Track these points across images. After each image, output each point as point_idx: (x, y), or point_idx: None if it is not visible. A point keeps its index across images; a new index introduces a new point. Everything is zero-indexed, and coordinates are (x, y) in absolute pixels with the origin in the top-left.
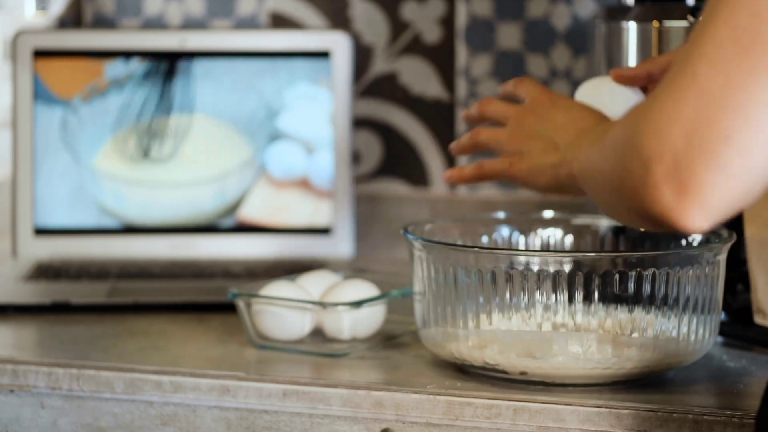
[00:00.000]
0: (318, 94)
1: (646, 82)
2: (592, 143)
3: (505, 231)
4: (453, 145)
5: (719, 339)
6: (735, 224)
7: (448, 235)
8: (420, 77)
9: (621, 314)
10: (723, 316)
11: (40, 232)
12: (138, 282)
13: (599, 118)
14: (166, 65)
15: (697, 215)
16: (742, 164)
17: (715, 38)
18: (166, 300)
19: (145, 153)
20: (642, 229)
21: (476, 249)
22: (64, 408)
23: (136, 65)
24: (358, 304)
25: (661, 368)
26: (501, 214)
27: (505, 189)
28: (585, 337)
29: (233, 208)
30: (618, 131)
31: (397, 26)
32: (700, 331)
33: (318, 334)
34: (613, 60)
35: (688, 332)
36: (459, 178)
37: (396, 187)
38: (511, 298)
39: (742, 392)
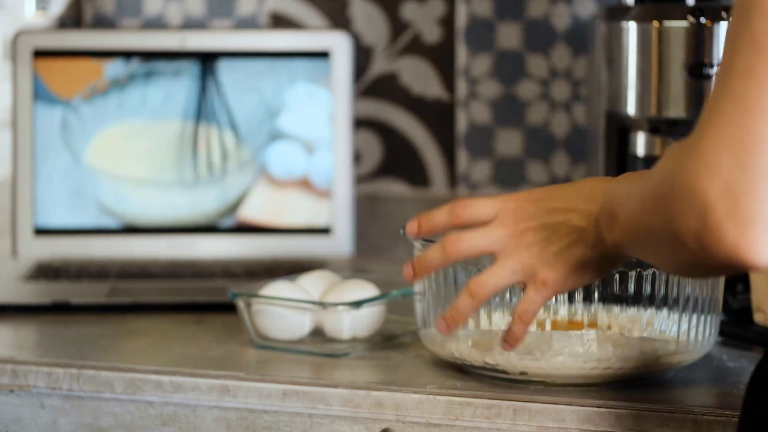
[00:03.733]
0: (318, 94)
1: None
2: (628, 203)
3: None
4: (409, 227)
5: (719, 339)
6: None
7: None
8: (420, 77)
9: (621, 314)
10: (723, 316)
11: (40, 232)
12: (138, 282)
13: (614, 180)
14: (167, 65)
15: (767, 244)
16: None
17: (740, 52)
18: (166, 300)
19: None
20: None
21: None
22: (64, 408)
23: (136, 65)
24: (358, 304)
25: (662, 368)
26: None
27: (506, 188)
28: (585, 337)
29: (233, 208)
30: (660, 178)
31: (397, 26)
32: (700, 331)
33: (318, 334)
34: (613, 60)
35: (688, 332)
36: (451, 320)
37: (396, 187)
38: (511, 298)
39: (742, 392)
